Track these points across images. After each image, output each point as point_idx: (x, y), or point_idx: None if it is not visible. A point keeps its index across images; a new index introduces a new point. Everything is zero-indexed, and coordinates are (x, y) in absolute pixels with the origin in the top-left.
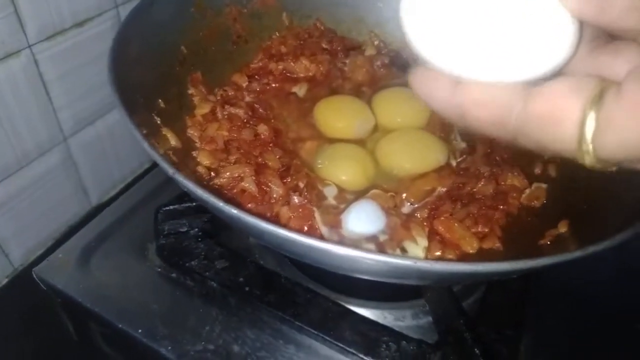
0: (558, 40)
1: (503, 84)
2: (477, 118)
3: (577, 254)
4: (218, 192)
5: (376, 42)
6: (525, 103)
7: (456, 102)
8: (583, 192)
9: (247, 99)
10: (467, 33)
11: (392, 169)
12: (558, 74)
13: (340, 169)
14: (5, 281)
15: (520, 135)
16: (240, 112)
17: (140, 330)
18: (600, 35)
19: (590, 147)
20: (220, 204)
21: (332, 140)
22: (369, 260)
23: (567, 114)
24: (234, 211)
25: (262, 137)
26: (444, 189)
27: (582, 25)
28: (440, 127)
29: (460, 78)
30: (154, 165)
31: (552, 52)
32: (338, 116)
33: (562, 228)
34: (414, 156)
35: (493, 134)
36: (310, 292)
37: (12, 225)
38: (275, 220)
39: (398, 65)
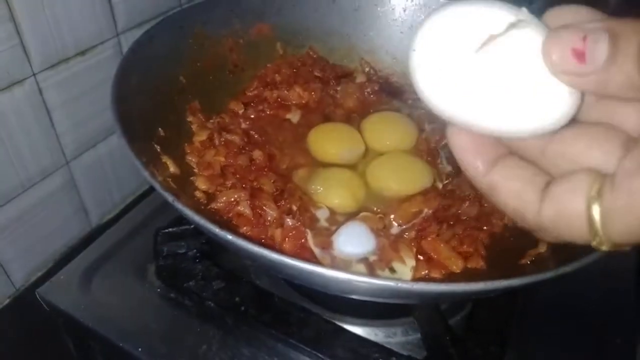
0: (564, 96)
1: (513, 137)
2: (505, 203)
3: (549, 274)
4: (215, 215)
5: (366, 69)
6: (540, 205)
7: (488, 181)
8: None
9: (243, 125)
10: (477, 90)
11: (382, 191)
12: (569, 124)
13: (333, 193)
14: (6, 302)
15: (539, 230)
16: (236, 138)
17: (140, 349)
18: None
19: (603, 237)
20: (216, 230)
21: (325, 165)
22: (354, 282)
23: (574, 213)
24: (229, 236)
25: (257, 162)
26: (431, 211)
27: None
28: (427, 151)
29: (471, 128)
30: (153, 187)
31: (557, 107)
32: (331, 143)
33: (542, 248)
34: (402, 179)
35: (517, 221)
36: (303, 311)
37: (14, 248)
38: (270, 242)
39: (387, 92)
